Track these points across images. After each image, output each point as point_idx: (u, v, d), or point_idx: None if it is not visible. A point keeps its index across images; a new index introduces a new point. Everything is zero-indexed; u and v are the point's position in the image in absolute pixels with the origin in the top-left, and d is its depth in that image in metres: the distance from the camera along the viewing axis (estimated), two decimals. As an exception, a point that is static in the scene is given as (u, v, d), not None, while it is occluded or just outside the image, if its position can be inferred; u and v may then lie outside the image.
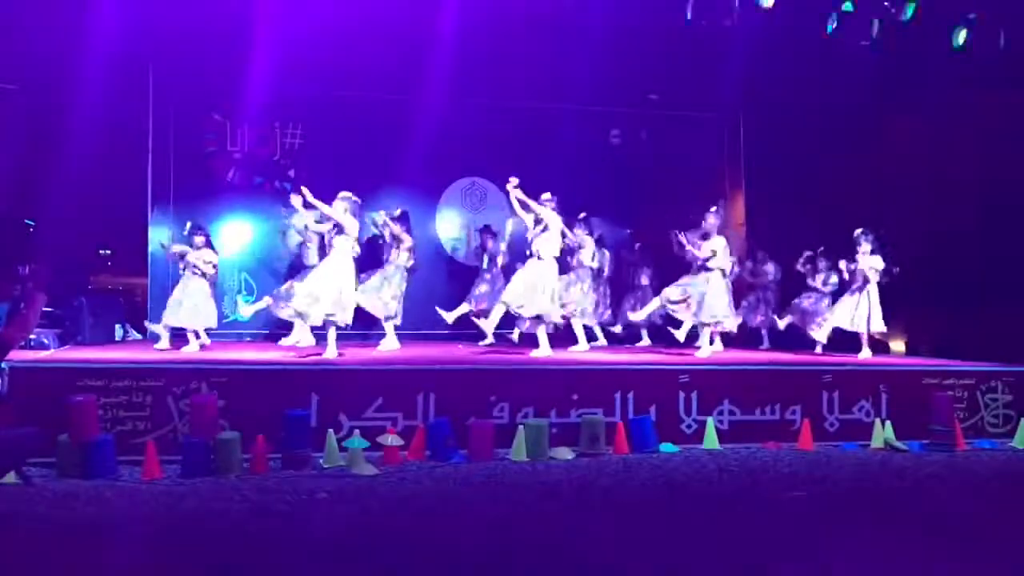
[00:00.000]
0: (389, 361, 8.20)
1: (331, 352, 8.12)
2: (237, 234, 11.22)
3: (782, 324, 10.63)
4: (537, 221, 8.82)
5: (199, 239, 8.96)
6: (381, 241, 9.99)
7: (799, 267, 10.51)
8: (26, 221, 10.17)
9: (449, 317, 9.95)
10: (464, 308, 10.32)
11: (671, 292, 9.17)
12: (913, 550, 4.73)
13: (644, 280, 11.26)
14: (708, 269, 9.04)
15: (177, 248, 9.09)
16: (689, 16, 9.35)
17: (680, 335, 9.17)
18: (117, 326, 10.02)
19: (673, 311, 9.23)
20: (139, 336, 10.45)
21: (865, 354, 9.44)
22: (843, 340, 9.74)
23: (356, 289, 8.44)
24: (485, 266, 10.72)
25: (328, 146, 11.24)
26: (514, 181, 8.83)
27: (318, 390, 7.02)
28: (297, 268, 10.35)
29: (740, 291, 11.02)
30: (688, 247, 9.29)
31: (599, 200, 11.73)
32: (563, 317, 9.16)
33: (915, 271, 10.31)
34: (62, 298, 9.08)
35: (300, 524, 4.97)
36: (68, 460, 6.19)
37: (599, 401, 7.56)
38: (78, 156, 9.35)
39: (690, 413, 7.75)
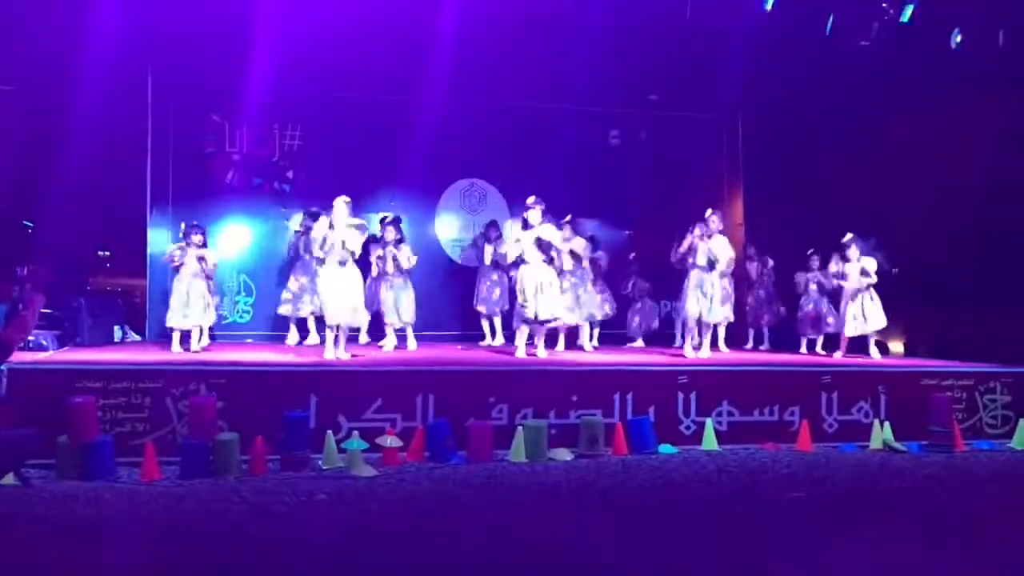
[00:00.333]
0: (388, 362, 8.21)
1: (343, 354, 8.17)
2: (236, 235, 11.20)
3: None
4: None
5: (198, 237, 8.96)
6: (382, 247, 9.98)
7: (812, 271, 10.45)
8: (25, 222, 10.17)
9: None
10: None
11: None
12: (912, 551, 4.74)
13: (632, 286, 11.27)
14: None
15: (195, 251, 9.01)
16: (688, 16, 9.36)
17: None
18: (116, 327, 10.01)
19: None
20: (138, 337, 10.45)
21: (875, 354, 9.46)
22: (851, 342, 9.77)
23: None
24: (488, 263, 10.67)
25: (327, 147, 11.22)
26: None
27: (317, 391, 7.02)
28: (291, 263, 10.35)
29: (742, 291, 11.04)
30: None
31: (598, 201, 11.73)
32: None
33: (914, 272, 10.33)
34: (61, 299, 9.06)
35: (299, 525, 4.97)
36: (67, 461, 6.19)
37: (598, 402, 7.56)
38: (77, 157, 9.34)
39: (689, 414, 7.75)
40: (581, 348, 10.15)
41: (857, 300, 9.41)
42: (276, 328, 10.70)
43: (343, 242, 8.16)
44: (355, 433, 6.81)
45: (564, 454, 7.16)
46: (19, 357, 7.01)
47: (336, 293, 8.16)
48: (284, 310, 10.13)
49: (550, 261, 8.83)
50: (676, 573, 4.36)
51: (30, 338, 8.00)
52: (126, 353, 8.49)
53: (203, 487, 5.93)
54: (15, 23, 8.52)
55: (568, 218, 9.79)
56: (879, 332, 9.64)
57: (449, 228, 11.97)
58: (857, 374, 8.33)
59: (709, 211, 9.25)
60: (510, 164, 11.51)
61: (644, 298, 11.36)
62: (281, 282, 10.66)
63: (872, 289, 9.37)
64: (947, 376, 8.34)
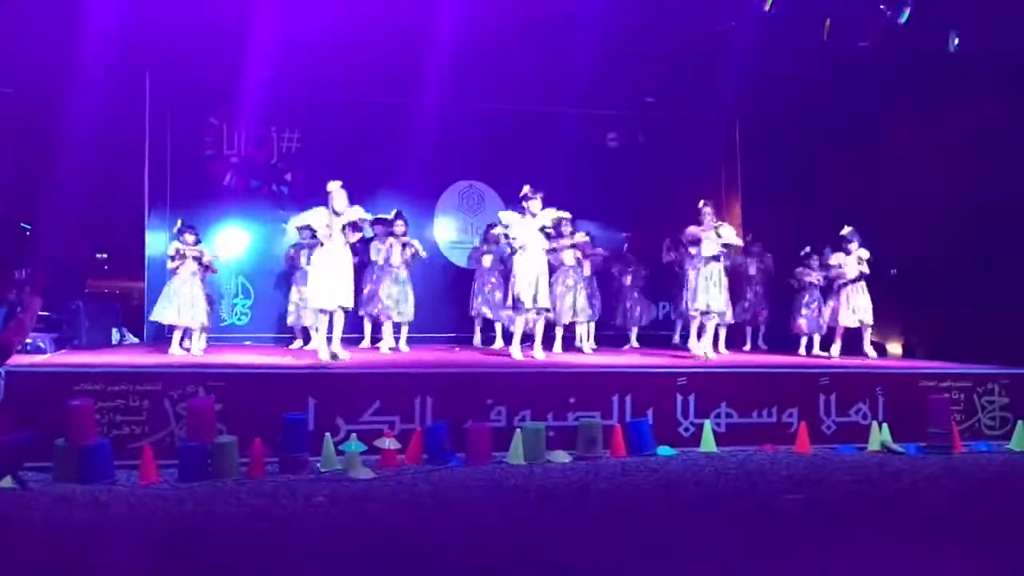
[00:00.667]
0: (386, 365, 8.21)
1: (341, 352, 8.16)
2: (234, 238, 11.21)
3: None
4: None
5: (191, 236, 8.96)
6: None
7: (808, 270, 10.46)
8: (23, 225, 10.16)
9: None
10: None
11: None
12: (911, 552, 4.74)
13: (628, 281, 11.27)
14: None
15: (192, 251, 9.01)
16: (686, 19, 9.38)
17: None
18: (114, 330, 10.01)
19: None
20: (136, 340, 10.45)
21: (870, 351, 9.48)
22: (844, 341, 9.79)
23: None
24: (489, 267, 10.67)
25: (325, 150, 11.24)
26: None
27: (315, 394, 7.02)
28: (288, 274, 10.37)
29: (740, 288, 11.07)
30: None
31: (596, 203, 11.74)
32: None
33: (912, 273, 10.34)
34: (59, 302, 9.06)
35: (297, 528, 4.96)
36: (65, 464, 6.18)
37: (596, 404, 7.55)
38: (75, 160, 9.34)
39: (687, 416, 7.75)
40: (580, 350, 10.15)
41: (854, 292, 9.46)
42: (274, 331, 10.71)
43: (344, 226, 8.15)
44: (353, 435, 6.80)
45: (562, 456, 7.15)
46: (17, 360, 7.00)
47: (327, 273, 8.07)
48: (292, 320, 10.14)
49: (552, 251, 8.89)
50: (675, 575, 4.36)
51: (28, 341, 7.99)
52: (124, 355, 8.49)
53: (201, 490, 5.92)
54: (11, 27, 8.51)
55: (568, 216, 9.82)
56: (877, 333, 9.66)
57: (447, 230, 11.98)
58: (855, 376, 8.33)
59: (701, 203, 9.28)
60: (508, 166, 11.52)
61: (638, 292, 11.33)
62: (279, 285, 10.67)
63: (864, 282, 9.44)
64: (945, 378, 8.34)
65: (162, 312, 8.77)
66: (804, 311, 10.46)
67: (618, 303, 11.30)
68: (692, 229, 9.24)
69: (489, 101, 11.58)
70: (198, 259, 8.91)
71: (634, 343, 11.28)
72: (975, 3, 9.26)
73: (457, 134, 11.35)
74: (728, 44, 9.62)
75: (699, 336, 9.19)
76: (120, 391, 6.69)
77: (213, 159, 11.21)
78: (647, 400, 7.66)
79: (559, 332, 9.86)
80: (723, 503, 5.81)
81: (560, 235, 9.71)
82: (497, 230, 9.85)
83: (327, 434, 6.80)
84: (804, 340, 10.48)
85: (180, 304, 8.72)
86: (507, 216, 8.94)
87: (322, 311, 8.15)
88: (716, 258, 9.12)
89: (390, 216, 9.96)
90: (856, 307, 9.48)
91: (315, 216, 8.22)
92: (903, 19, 9.26)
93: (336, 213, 8.14)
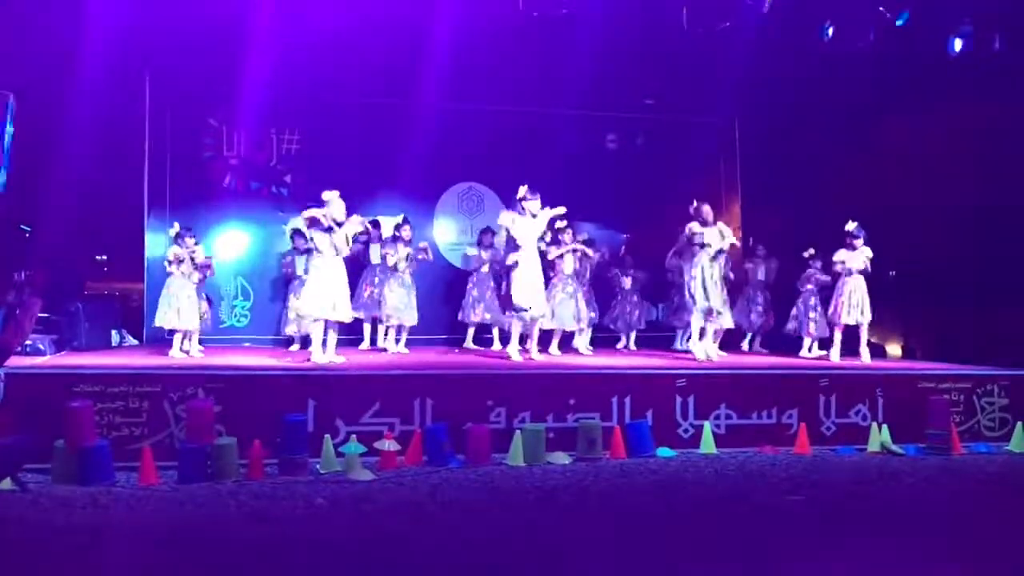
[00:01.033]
0: (386, 366, 8.20)
1: (335, 357, 8.15)
2: (233, 240, 11.20)
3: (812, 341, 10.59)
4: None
5: (191, 240, 8.98)
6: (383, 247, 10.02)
7: (817, 272, 10.47)
8: (22, 226, 10.15)
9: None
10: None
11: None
12: (910, 554, 4.74)
13: (627, 284, 11.28)
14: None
15: (192, 254, 9.01)
16: (685, 20, 9.38)
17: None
18: (113, 332, 10.01)
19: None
20: (135, 342, 10.44)
21: (865, 355, 9.47)
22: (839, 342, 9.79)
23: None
24: (487, 271, 10.67)
25: (325, 151, 11.22)
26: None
27: (315, 395, 7.01)
28: (286, 282, 10.37)
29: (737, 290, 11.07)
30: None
31: (595, 204, 11.74)
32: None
33: (912, 274, 10.33)
34: (58, 304, 9.06)
35: (296, 530, 4.96)
36: (64, 466, 6.17)
37: (596, 405, 7.55)
38: (74, 161, 9.34)
39: (687, 417, 7.74)
40: (577, 351, 10.15)
41: (856, 289, 9.45)
42: (273, 332, 10.70)
43: (347, 236, 8.17)
44: (353, 437, 6.80)
45: (562, 457, 7.15)
46: (16, 361, 7.01)
47: (326, 285, 8.07)
48: (292, 329, 10.11)
49: (543, 255, 8.95)
50: (674, 576, 4.36)
51: (27, 342, 7.99)
52: (123, 357, 8.49)
53: (201, 491, 5.92)
54: (10, 28, 8.51)
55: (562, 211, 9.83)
56: (877, 334, 9.66)
57: (447, 231, 11.98)
58: (855, 377, 8.33)
59: (695, 203, 9.28)
60: (507, 168, 11.49)
61: (636, 294, 11.33)
62: (279, 287, 10.66)
63: (864, 281, 9.45)
64: (945, 379, 8.34)
65: (164, 317, 8.77)
66: (811, 313, 10.43)
67: (616, 305, 11.29)
68: (695, 227, 9.22)
69: (489, 103, 11.57)
70: (195, 261, 8.91)
71: (632, 346, 11.27)
72: (975, 3, 9.26)
73: (456, 136, 11.35)
74: (728, 44, 9.62)
75: (701, 337, 9.19)
76: (119, 393, 6.69)
77: (213, 160, 11.21)
78: (647, 401, 7.66)
79: (557, 334, 9.85)
80: (723, 504, 5.81)
81: (559, 242, 9.72)
82: (499, 238, 9.89)
83: (327, 436, 6.80)
84: (808, 342, 10.46)
85: (181, 307, 8.72)
86: (507, 217, 8.91)
87: (316, 320, 8.16)
88: (717, 257, 9.12)
89: (399, 220, 9.96)
90: (856, 304, 9.45)
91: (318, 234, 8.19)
92: (900, 22, 9.27)
93: (336, 223, 8.13)
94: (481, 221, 11.58)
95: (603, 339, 11.20)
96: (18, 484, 5.81)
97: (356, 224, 8.33)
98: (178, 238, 8.95)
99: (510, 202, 9.06)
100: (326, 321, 8.14)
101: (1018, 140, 9.25)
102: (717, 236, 9.15)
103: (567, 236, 9.82)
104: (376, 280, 10.02)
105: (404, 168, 10.93)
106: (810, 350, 10.44)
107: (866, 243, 9.53)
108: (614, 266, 11.32)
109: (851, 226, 9.58)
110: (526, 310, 8.64)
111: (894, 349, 10.94)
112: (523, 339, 8.94)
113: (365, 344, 10.23)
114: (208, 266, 9.29)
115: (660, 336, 11.53)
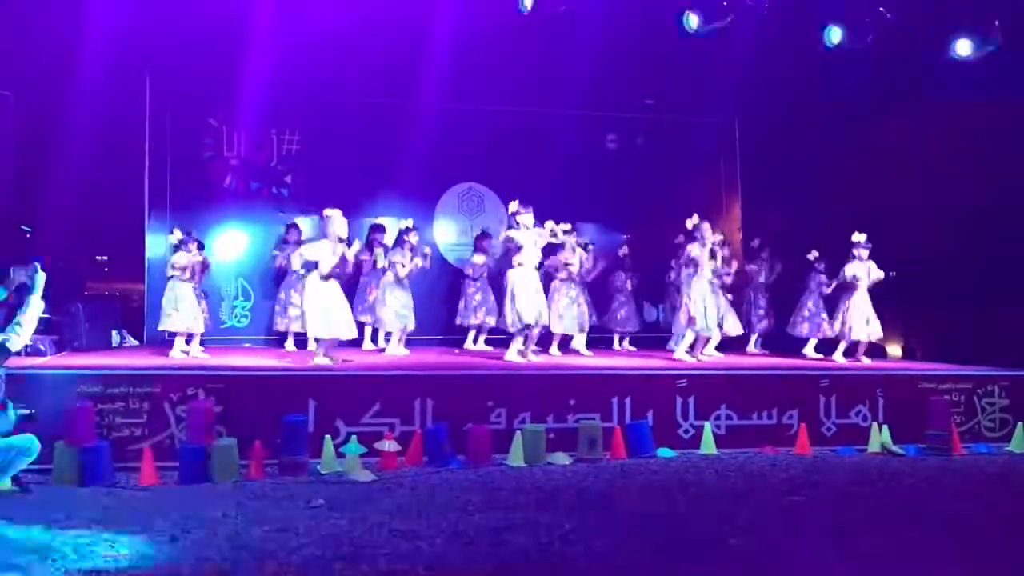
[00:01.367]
0: (386, 367, 8.21)
1: (337, 357, 8.19)
2: (234, 240, 11.20)
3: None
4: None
5: (193, 245, 8.99)
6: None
7: (817, 274, 10.47)
8: (23, 227, 10.15)
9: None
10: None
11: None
12: (910, 554, 4.74)
13: (628, 286, 11.27)
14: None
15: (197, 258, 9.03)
16: (685, 20, 9.40)
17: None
18: (113, 332, 10.01)
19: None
20: (135, 342, 10.44)
21: (864, 360, 9.48)
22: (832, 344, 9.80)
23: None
24: (486, 275, 10.66)
25: (325, 152, 11.23)
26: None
27: (316, 396, 7.02)
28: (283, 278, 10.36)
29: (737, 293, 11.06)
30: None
31: (595, 205, 11.74)
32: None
33: (912, 275, 10.33)
34: (59, 304, 9.05)
35: (296, 530, 4.95)
36: (65, 467, 6.17)
37: (596, 406, 7.56)
38: (75, 162, 9.34)
39: (687, 418, 7.75)
40: (577, 352, 10.15)
41: (864, 303, 9.45)
42: (274, 333, 10.69)
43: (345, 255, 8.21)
44: (353, 438, 6.81)
45: (562, 458, 7.15)
46: (17, 362, 7.00)
47: (334, 306, 8.15)
48: (294, 327, 10.08)
49: (539, 266, 8.93)
50: (675, 577, 4.36)
51: (28, 343, 7.98)
52: (123, 358, 8.50)
53: (201, 492, 5.91)
54: (11, 28, 8.51)
55: (568, 228, 9.80)
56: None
57: (447, 232, 11.97)
58: (855, 378, 8.33)
59: (695, 218, 9.26)
60: (507, 168, 11.52)
61: (635, 296, 11.32)
62: (279, 288, 10.63)
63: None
64: (945, 379, 8.35)
65: (168, 320, 8.76)
66: (823, 314, 10.42)
67: (615, 306, 11.29)
68: (692, 251, 9.19)
69: (488, 103, 11.56)
70: (204, 268, 8.95)
71: (629, 347, 11.26)
72: (975, 3, 9.26)
73: (456, 136, 11.34)
74: (728, 45, 9.62)
75: (691, 349, 9.18)
76: (120, 393, 6.70)
77: (213, 161, 11.20)
78: (647, 402, 7.66)
79: (557, 336, 9.84)
80: (723, 505, 5.80)
81: (560, 247, 9.72)
82: (496, 241, 9.91)
83: (327, 436, 6.80)
84: (813, 341, 10.45)
85: (186, 311, 8.73)
86: (513, 233, 8.85)
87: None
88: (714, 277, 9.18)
89: (405, 224, 9.92)
90: (871, 318, 9.47)
91: (322, 251, 8.19)
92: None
93: (340, 240, 8.17)
94: (481, 221, 11.58)
95: (604, 339, 11.20)
96: (18, 485, 5.81)
97: (356, 247, 8.44)
98: (182, 244, 8.92)
99: (509, 202, 9.03)
100: None
101: (1018, 140, 9.25)
102: (708, 261, 9.13)
103: (569, 242, 9.82)
104: (378, 284, 9.99)
105: (404, 168, 10.93)
106: (815, 349, 10.43)
107: (866, 244, 9.54)
108: (615, 268, 11.30)
109: (860, 237, 9.55)
110: (533, 325, 8.66)
111: (894, 349, 10.94)
112: (523, 341, 8.96)
113: (367, 345, 10.22)
114: (208, 266, 9.30)
115: (660, 336, 11.52)
